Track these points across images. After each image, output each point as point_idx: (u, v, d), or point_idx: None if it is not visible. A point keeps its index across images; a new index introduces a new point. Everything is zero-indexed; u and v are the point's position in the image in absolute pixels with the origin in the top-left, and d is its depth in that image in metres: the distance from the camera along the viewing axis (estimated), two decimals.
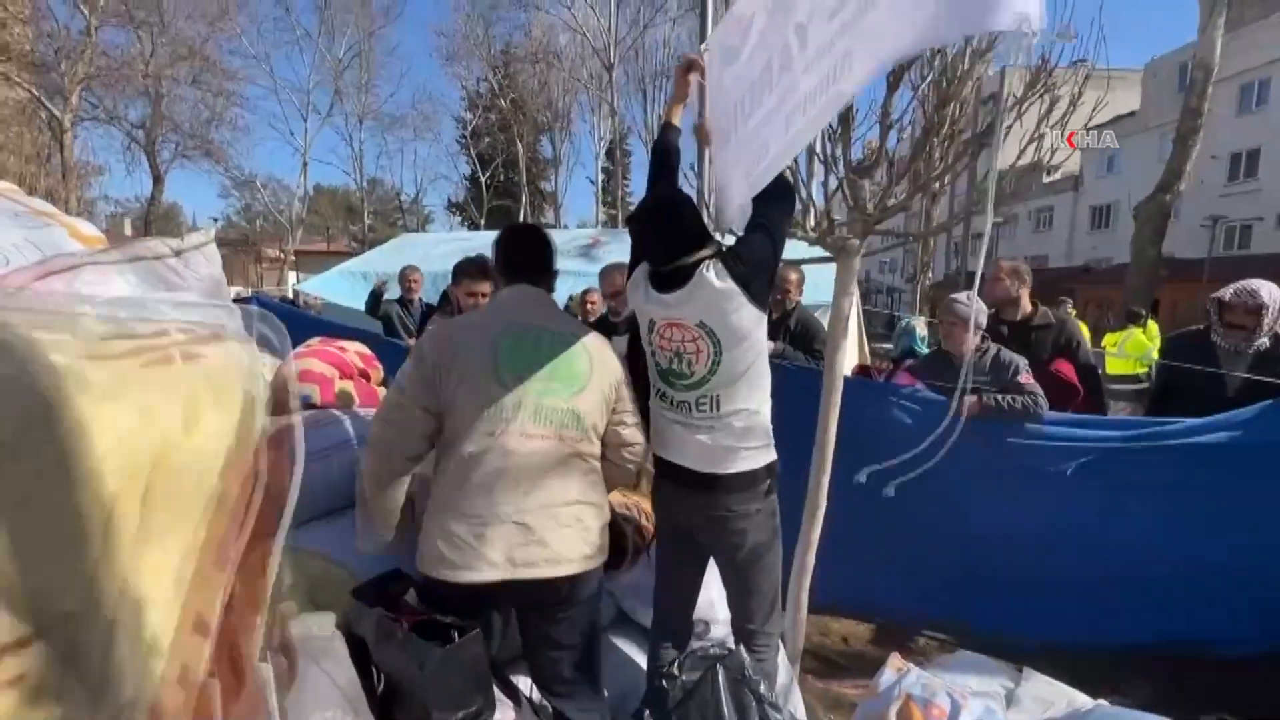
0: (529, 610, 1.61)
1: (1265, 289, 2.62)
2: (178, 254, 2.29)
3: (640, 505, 2.19)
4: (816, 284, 3.82)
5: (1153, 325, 7.14)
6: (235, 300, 4.35)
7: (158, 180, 21.49)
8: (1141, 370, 5.93)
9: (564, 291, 6.01)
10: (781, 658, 1.96)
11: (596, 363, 1.62)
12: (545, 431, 1.53)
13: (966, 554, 2.57)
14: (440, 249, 8.57)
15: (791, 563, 2.08)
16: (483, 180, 29.41)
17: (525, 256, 1.71)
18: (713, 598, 2.00)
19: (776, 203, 1.62)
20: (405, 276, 5.26)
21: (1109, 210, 27.15)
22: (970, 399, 2.38)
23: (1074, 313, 6.48)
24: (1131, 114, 25.85)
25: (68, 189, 17.05)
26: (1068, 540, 2.45)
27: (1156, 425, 2.42)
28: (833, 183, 1.83)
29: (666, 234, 1.65)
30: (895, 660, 1.61)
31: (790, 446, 1.94)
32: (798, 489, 2.06)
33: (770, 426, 1.71)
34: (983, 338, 2.64)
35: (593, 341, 1.66)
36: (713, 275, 1.58)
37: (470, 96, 29.83)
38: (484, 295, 2.56)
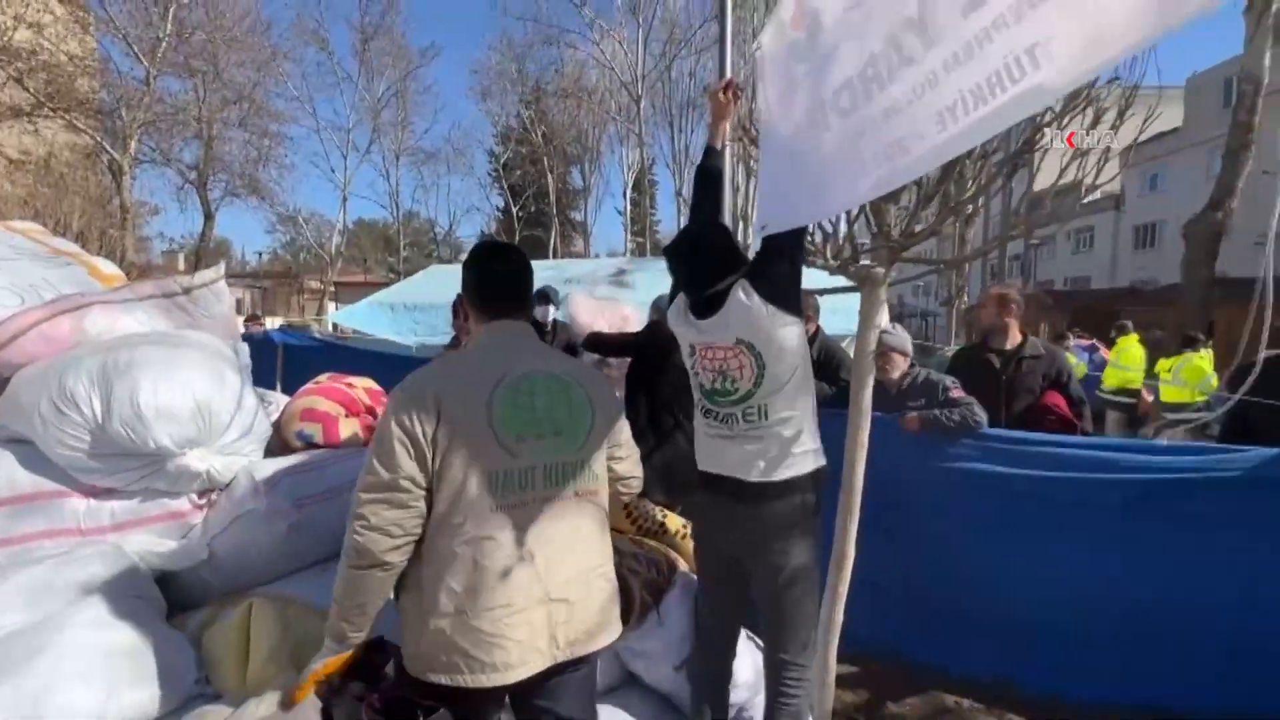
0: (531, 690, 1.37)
1: None
2: (187, 291, 2.30)
3: (657, 555, 2.05)
4: (849, 311, 3.64)
5: (1208, 350, 6.71)
6: (253, 334, 4.37)
7: (209, 217, 22.52)
8: (1200, 398, 5.53)
9: None
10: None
11: (597, 404, 1.46)
12: (565, 493, 1.36)
13: (1001, 604, 2.35)
14: None
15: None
16: (514, 211, 30.04)
17: (505, 284, 1.45)
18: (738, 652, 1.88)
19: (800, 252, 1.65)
20: None
21: (1154, 229, 26.19)
22: (910, 415, 2.46)
23: (1136, 337, 6.11)
24: (1174, 131, 25.05)
25: (124, 228, 17.96)
26: (1117, 592, 2.22)
27: (1221, 453, 2.21)
28: (854, 208, 1.71)
29: (700, 266, 1.71)
30: None
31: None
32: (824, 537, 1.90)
33: (816, 432, 1.71)
34: (910, 364, 2.76)
35: (587, 378, 1.50)
36: (742, 295, 1.62)
37: (502, 131, 30.70)
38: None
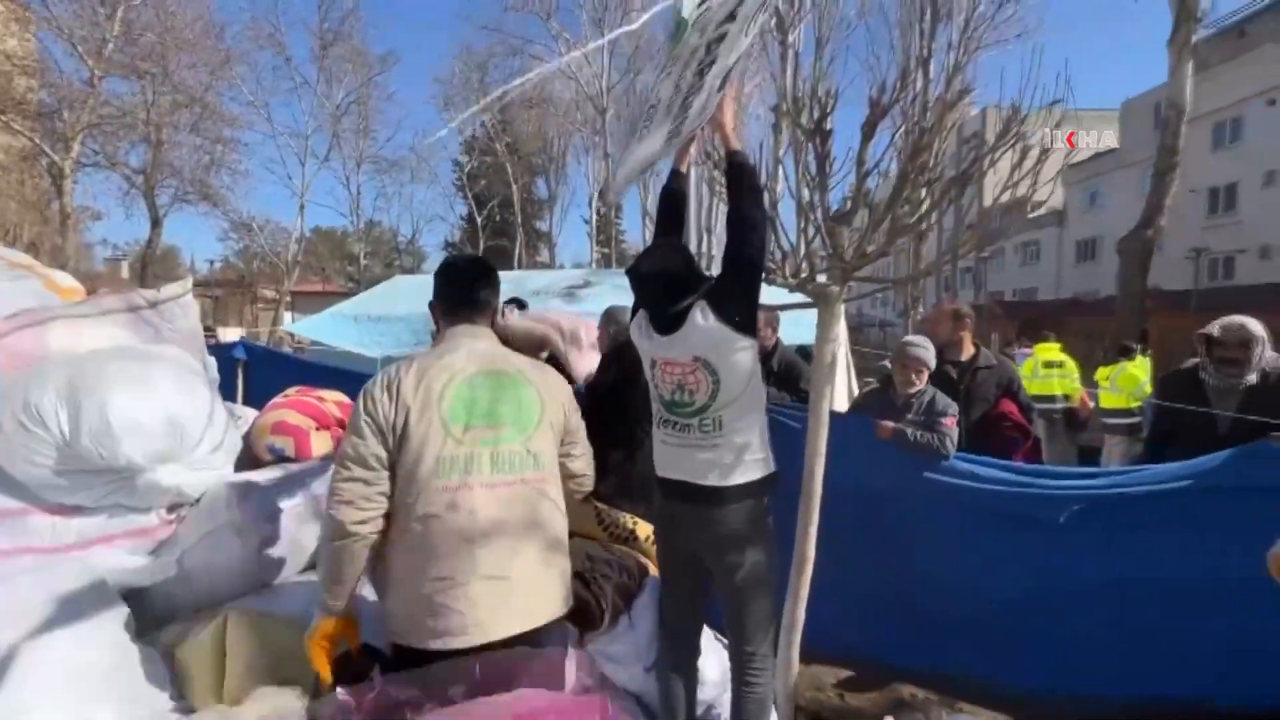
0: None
1: (1251, 322, 2.62)
2: (153, 305, 2.29)
3: (628, 560, 2.12)
4: (811, 325, 3.83)
5: (1143, 359, 7.15)
6: (217, 346, 4.28)
7: (156, 224, 21.67)
8: (1135, 405, 5.91)
9: None
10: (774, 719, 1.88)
11: (547, 400, 1.61)
12: (508, 479, 1.51)
13: (960, 602, 2.50)
14: (429, 292, 8.58)
15: (780, 616, 2.01)
16: (479, 220, 29.81)
17: (462, 293, 1.66)
18: (704, 652, 1.97)
19: (749, 241, 1.73)
20: None
21: (1094, 244, 27.65)
22: (888, 424, 2.59)
23: (1058, 345, 6.48)
24: (1111, 151, 26.59)
25: (65, 234, 17.16)
26: (1060, 589, 2.39)
27: (1142, 472, 2.42)
28: (811, 230, 1.83)
29: (660, 286, 1.80)
30: None
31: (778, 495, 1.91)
32: (785, 539, 2.01)
33: (766, 443, 1.81)
34: (926, 381, 2.83)
35: (537, 376, 1.65)
36: (700, 317, 1.73)
37: (467, 140, 30.49)
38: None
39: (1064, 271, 29.64)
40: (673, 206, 1.99)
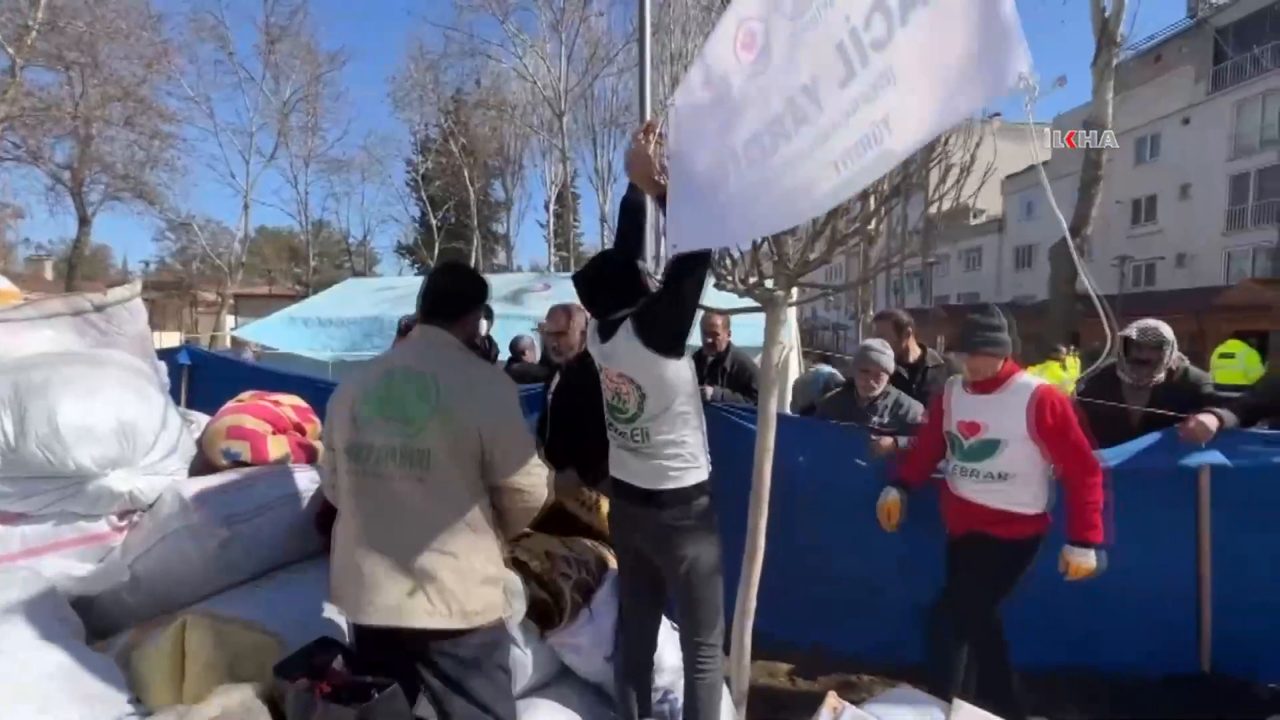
0: (417, 666, 1.56)
1: (1164, 327, 2.89)
2: (99, 309, 2.24)
3: (587, 555, 2.18)
4: (758, 327, 4.01)
5: (1072, 360, 7.65)
6: (163, 352, 4.16)
7: (84, 222, 20.50)
8: None
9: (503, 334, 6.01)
10: (726, 700, 1.98)
11: (448, 404, 1.53)
12: (396, 472, 1.52)
13: (901, 589, 2.66)
14: (386, 294, 8.46)
15: (734, 604, 2.11)
16: (434, 223, 29.29)
17: (431, 298, 1.70)
18: (661, 641, 2.05)
19: (689, 275, 1.73)
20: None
21: (1031, 250, 29.14)
22: (885, 440, 2.64)
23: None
24: (1045, 163, 28.11)
25: None
26: None
27: None
28: (759, 238, 1.95)
29: (596, 294, 1.89)
30: (832, 699, 1.65)
31: (733, 493, 2.01)
32: (739, 532, 2.11)
33: (698, 452, 1.86)
34: (886, 383, 2.95)
35: (455, 379, 1.57)
36: (624, 334, 1.81)
37: (420, 141, 29.94)
38: (560, 335, 2.64)
39: (1004, 276, 31.14)
40: (631, 217, 2.04)
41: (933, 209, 1.83)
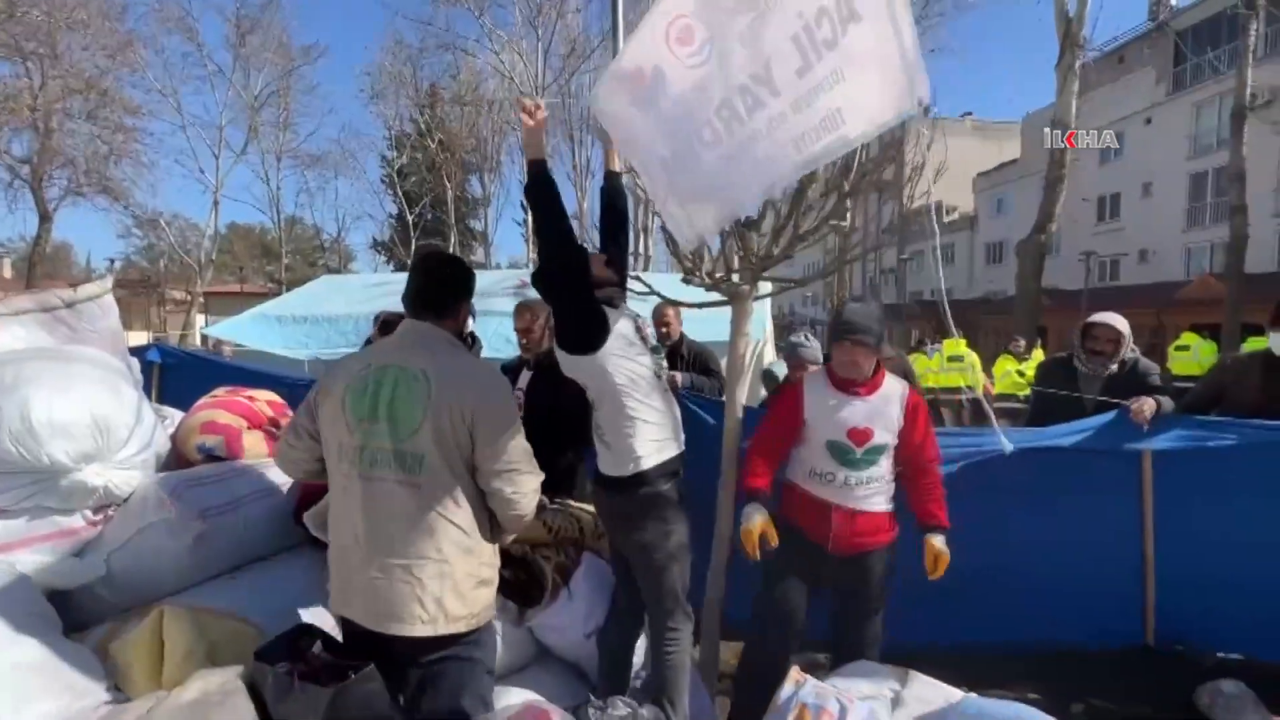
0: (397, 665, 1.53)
1: (1120, 320, 3.04)
2: (70, 305, 2.23)
3: (565, 537, 2.23)
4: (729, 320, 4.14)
5: (1039, 353, 7.93)
6: (131, 350, 4.10)
7: (45, 218, 19.87)
8: (1023, 392, 6.60)
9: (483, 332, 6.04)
10: (695, 678, 2.05)
11: (438, 404, 1.48)
12: (389, 476, 1.47)
13: None
14: (366, 291, 8.38)
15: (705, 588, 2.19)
16: (410, 219, 28.93)
17: (419, 291, 1.62)
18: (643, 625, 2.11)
19: (562, 282, 1.84)
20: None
21: (1001, 246, 29.81)
22: None
23: (963, 341, 7.15)
24: (1014, 161, 28.77)
25: None
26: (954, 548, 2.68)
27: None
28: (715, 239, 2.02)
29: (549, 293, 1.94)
30: (794, 674, 1.73)
31: (700, 480, 2.09)
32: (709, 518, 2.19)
33: (648, 440, 1.90)
34: None
35: (446, 379, 1.51)
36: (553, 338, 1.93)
37: (396, 136, 29.53)
38: (527, 332, 2.69)
39: (976, 272, 31.81)
40: (608, 205, 2.12)
41: (914, 200, 1.92)
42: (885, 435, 2.02)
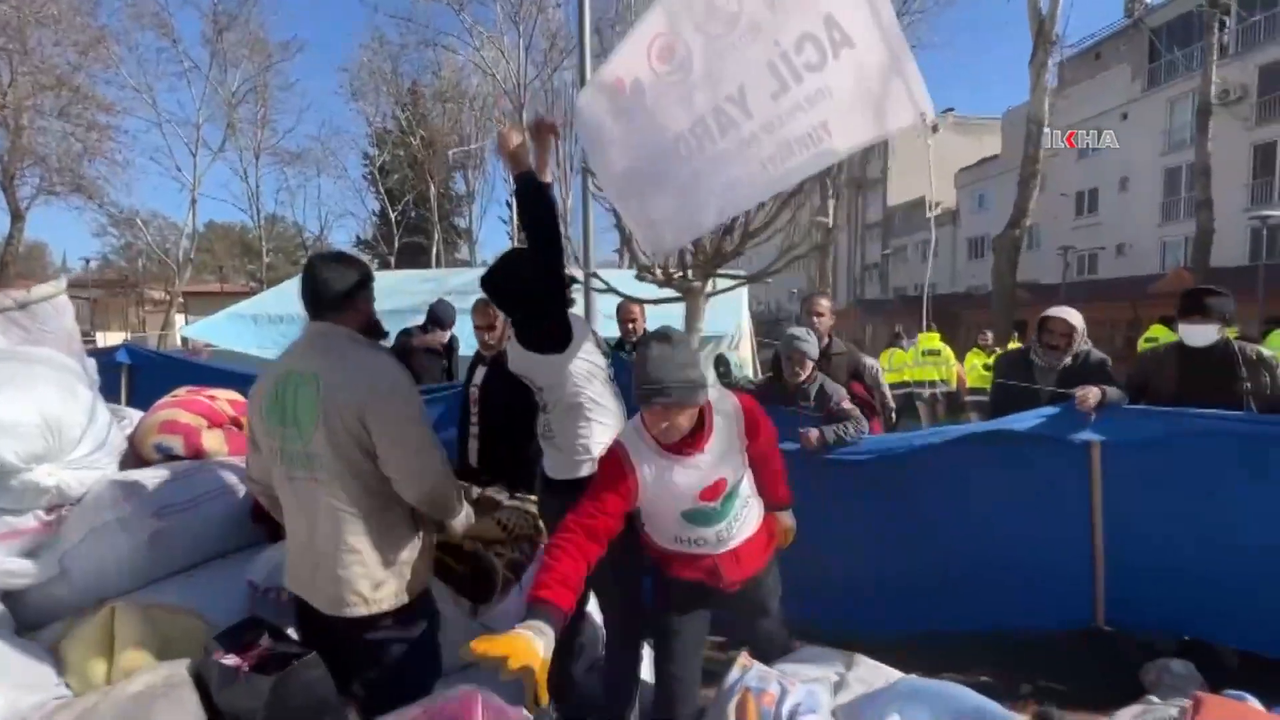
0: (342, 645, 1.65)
1: (1074, 314, 3.12)
2: (23, 307, 2.22)
3: (520, 534, 2.26)
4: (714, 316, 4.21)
5: (1014, 346, 8.10)
6: (98, 350, 4.06)
7: (17, 218, 19.51)
8: (989, 386, 6.79)
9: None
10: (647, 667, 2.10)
11: (328, 402, 1.54)
12: (302, 475, 1.59)
13: (819, 562, 2.82)
14: None
15: None
16: (393, 216, 28.72)
17: (311, 293, 1.66)
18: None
19: (538, 283, 1.86)
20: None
21: (982, 242, 30.14)
22: (813, 432, 2.68)
23: (937, 335, 7.29)
24: (995, 157, 29.10)
25: None
26: (903, 542, 2.74)
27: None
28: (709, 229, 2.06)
29: (498, 299, 2.02)
30: (743, 658, 1.78)
31: None
32: None
33: (597, 445, 1.90)
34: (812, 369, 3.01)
35: (337, 378, 1.56)
36: (512, 339, 1.96)
37: (378, 133, 29.27)
38: (488, 329, 2.73)
39: (958, 267, 32.16)
40: (547, 212, 2.09)
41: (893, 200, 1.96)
42: (738, 469, 1.78)
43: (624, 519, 1.67)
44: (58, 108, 18.54)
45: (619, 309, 3.55)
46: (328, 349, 1.62)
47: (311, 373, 1.57)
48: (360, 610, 1.58)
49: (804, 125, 1.66)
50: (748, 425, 1.77)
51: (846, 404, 2.81)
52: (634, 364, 1.62)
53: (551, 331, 1.87)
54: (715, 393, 1.78)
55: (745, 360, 5.88)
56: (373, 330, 1.74)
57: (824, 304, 3.59)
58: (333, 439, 1.53)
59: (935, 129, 1.64)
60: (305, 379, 1.57)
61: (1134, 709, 1.71)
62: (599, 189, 2.28)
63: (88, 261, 25.27)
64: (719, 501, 1.74)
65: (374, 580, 1.59)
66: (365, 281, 1.71)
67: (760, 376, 4.08)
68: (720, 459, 1.72)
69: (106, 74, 20.30)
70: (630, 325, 3.73)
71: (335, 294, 1.64)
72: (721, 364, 3.43)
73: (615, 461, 1.68)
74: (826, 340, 3.45)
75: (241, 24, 22.91)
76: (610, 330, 5.60)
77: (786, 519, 2.05)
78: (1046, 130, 10.02)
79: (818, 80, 1.63)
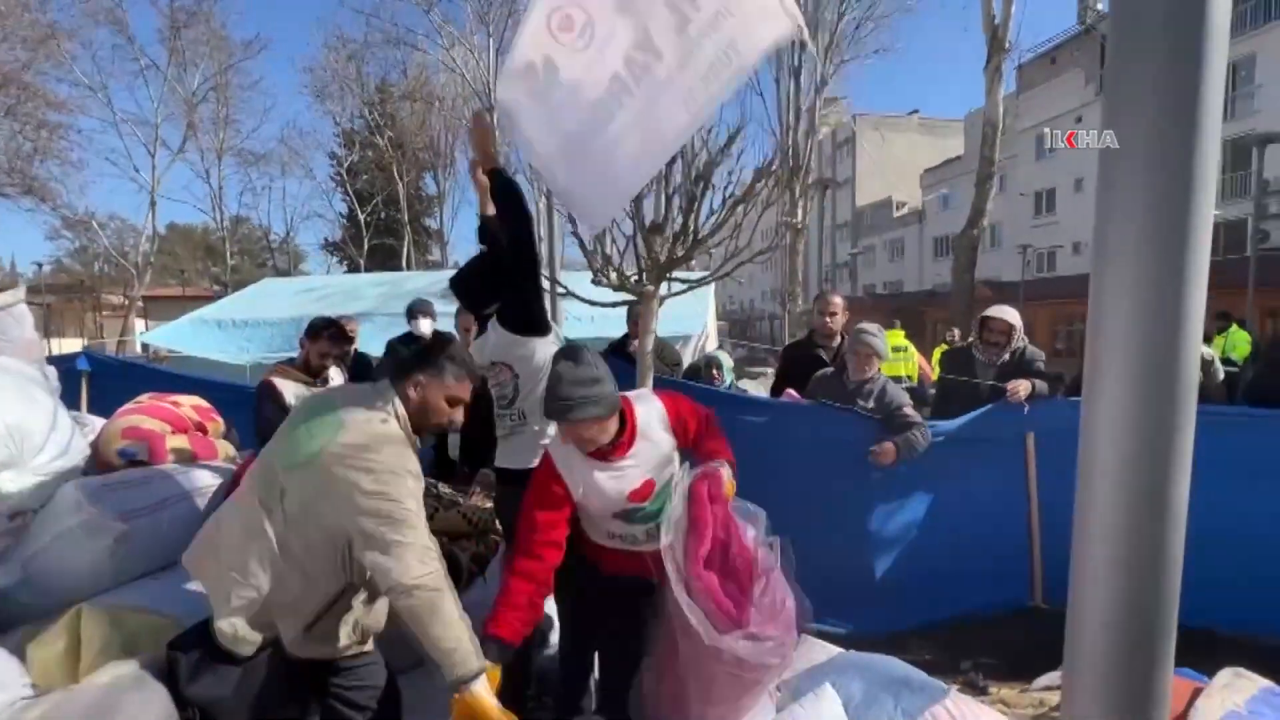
0: None
1: (1012, 314, 3.31)
2: None
3: (486, 527, 2.34)
4: (676, 317, 4.26)
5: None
6: (57, 358, 4.01)
7: None
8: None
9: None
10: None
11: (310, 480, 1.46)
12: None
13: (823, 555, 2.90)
14: (306, 294, 8.27)
15: None
16: (362, 218, 28.27)
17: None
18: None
19: (519, 264, 1.94)
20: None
21: (948, 241, 30.88)
22: (887, 445, 2.69)
23: (902, 332, 7.54)
24: (959, 158, 29.91)
25: None
26: (865, 536, 2.88)
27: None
28: (623, 241, 2.17)
29: (462, 293, 2.10)
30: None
31: None
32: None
33: None
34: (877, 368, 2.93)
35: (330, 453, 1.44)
36: (493, 324, 2.00)
37: (345, 133, 28.80)
38: (466, 331, 2.78)
39: (925, 266, 32.94)
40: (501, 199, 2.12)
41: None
42: (667, 469, 1.77)
43: (568, 521, 1.70)
44: (5, 106, 17.85)
45: (629, 310, 3.53)
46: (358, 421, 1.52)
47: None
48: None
49: (712, 50, 1.71)
50: (674, 425, 1.77)
51: (909, 410, 2.74)
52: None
53: (535, 312, 1.96)
54: (638, 395, 1.83)
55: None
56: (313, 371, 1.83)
57: (838, 301, 3.40)
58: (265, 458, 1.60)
59: (804, 46, 1.72)
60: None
61: (1051, 675, 1.87)
62: (536, 180, 2.34)
63: (40, 265, 24.29)
64: (651, 500, 1.75)
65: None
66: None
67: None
68: (646, 461, 1.72)
69: (58, 71, 19.60)
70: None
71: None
72: (715, 365, 3.36)
73: (545, 471, 1.72)
74: (839, 340, 3.33)
75: (201, 21, 22.26)
76: (577, 332, 5.68)
77: (725, 473, 1.78)
78: (1003, 133, 10.38)
79: (714, 2, 1.69)
